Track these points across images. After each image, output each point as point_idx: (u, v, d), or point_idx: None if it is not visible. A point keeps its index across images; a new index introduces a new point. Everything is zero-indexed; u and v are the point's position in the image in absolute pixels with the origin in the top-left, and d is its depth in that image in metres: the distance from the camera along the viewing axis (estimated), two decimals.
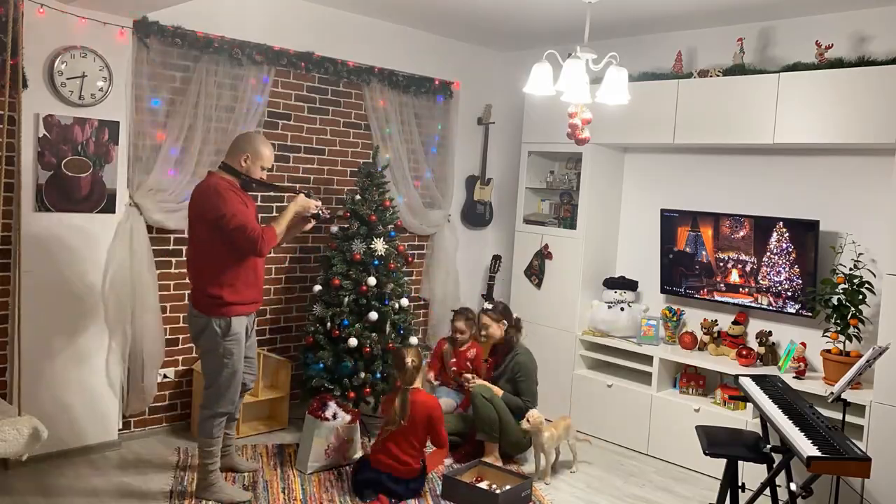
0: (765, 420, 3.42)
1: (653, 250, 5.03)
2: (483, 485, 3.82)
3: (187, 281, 4.12)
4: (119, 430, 4.23)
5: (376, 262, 4.53)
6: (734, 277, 4.58)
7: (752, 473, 3.78)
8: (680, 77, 4.61)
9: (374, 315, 4.44)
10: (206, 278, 3.45)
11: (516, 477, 3.86)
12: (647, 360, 4.74)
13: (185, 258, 3.71)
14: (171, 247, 4.41)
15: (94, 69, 3.90)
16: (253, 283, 3.56)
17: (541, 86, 3.30)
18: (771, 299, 4.41)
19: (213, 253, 3.43)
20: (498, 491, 3.70)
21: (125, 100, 4.07)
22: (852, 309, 3.93)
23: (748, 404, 4.22)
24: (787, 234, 4.29)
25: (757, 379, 3.74)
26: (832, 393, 3.35)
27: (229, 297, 3.45)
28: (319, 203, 3.72)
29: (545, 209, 5.58)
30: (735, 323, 4.65)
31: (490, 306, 4.67)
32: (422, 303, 5.80)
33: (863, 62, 3.89)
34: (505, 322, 4.55)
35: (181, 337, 4.50)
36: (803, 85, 4.05)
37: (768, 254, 4.39)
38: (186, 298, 3.99)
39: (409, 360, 3.82)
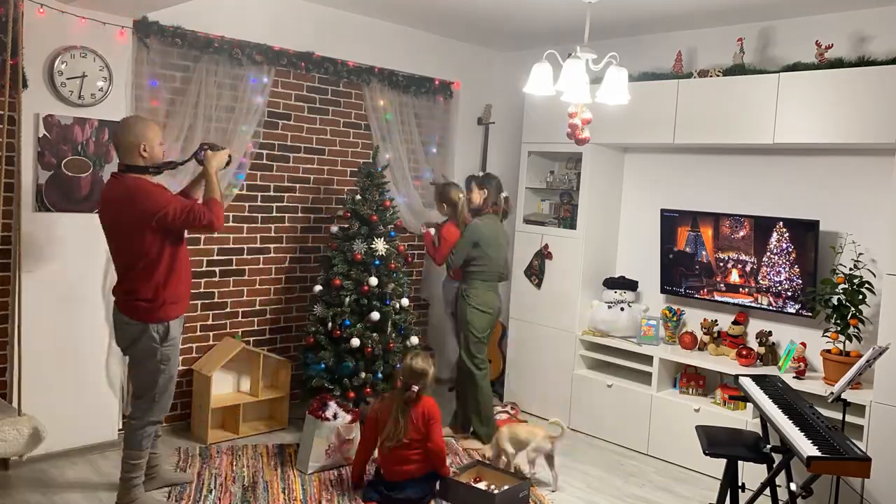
0: (765, 420, 3.42)
1: (653, 250, 5.03)
2: (481, 485, 3.82)
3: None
4: (119, 430, 4.22)
5: (377, 262, 4.53)
6: (734, 277, 4.58)
7: (752, 473, 3.78)
8: (680, 77, 4.61)
9: (375, 315, 4.44)
10: (139, 282, 3.27)
11: (514, 477, 3.86)
12: (647, 360, 4.74)
13: (111, 266, 3.68)
14: None
15: (94, 69, 3.90)
16: (185, 279, 3.42)
17: (541, 86, 3.30)
18: (771, 299, 4.40)
19: (147, 254, 3.24)
20: (497, 492, 3.70)
21: (125, 100, 4.07)
22: (852, 309, 3.93)
23: (748, 404, 4.22)
24: (787, 234, 4.29)
25: (757, 379, 3.74)
26: (832, 393, 3.35)
27: (165, 299, 3.30)
28: (227, 148, 3.55)
29: (545, 209, 5.57)
30: (735, 323, 4.65)
31: (481, 174, 4.74)
32: (422, 303, 5.80)
33: (863, 62, 3.89)
34: (486, 191, 4.63)
35: (180, 337, 4.50)
36: (803, 85, 4.05)
37: (768, 254, 4.39)
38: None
39: (430, 375, 3.69)
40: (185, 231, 3.36)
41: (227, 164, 3.56)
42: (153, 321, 3.30)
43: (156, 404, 3.43)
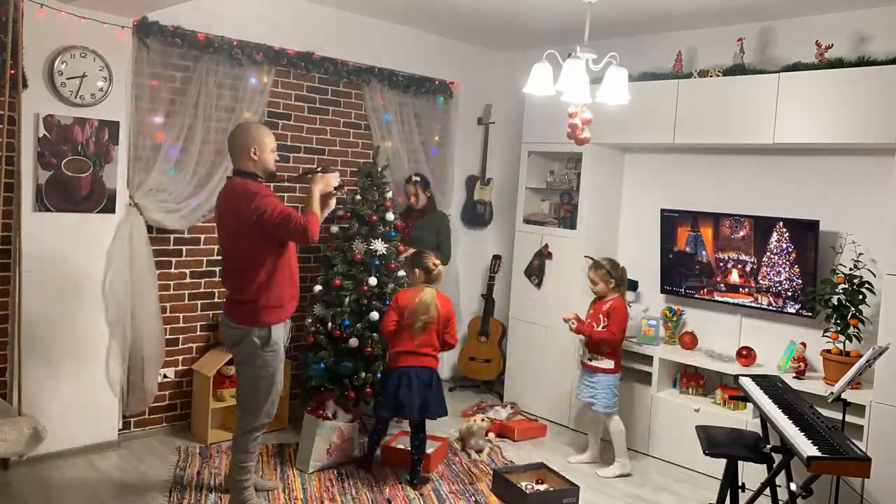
0: (765, 420, 3.42)
1: (653, 250, 5.03)
2: (542, 487, 3.89)
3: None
4: (119, 430, 4.23)
5: (377, 262, 4.53)
6: (734, 277, 4.58)
7: (752, 473, 3.78)
8: (680, 77, 4.61)
9: (374, 315, 4.44)
10: (243, 286, 3.30)
11: (569, 483, 3.89)
12: (647, 360, 4.74)
13: (221, 270, 3.81)
14: (171, 247, 4.41)
15: (94, 69, 3.90)
16: (289, 282, 3.41)
17: (541, 86, 3.30)
18: (771, 299, 4.40)
19: (251, 257, 3.28)
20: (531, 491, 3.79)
21: (125, 100, 4.08)
22: (852, 309, 3.93)
23: (748, 404, 4.21)
24: (787, 234, 4.29)
25: (757, 379, 3.74)
26: (832, 393, 3.35)
27: (271, 303, 3.31)
28: (337, 174, 3.54)
29: (545, 209, 5.58)
30: None
31: (417, 178, 5.26)
32: None
33: (863, 62, 3.89)
34: (429, 192, 5.32)
35: (181, 337, 4.50)
36: (803, 85, 4.05)
37: (768, 254, 4.39)
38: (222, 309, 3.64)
39: (431, 262, 4.04)
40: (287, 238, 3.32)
41: (337, 190, 3.51)
42: (255, 325, 3.29)
43: (260, 410, 3.41)
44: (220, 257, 4.63)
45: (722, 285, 4.65)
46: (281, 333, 3.41)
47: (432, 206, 5.33)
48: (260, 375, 3.36)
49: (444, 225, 5.31)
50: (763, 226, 4.40)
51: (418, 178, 5.24)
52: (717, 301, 4.69)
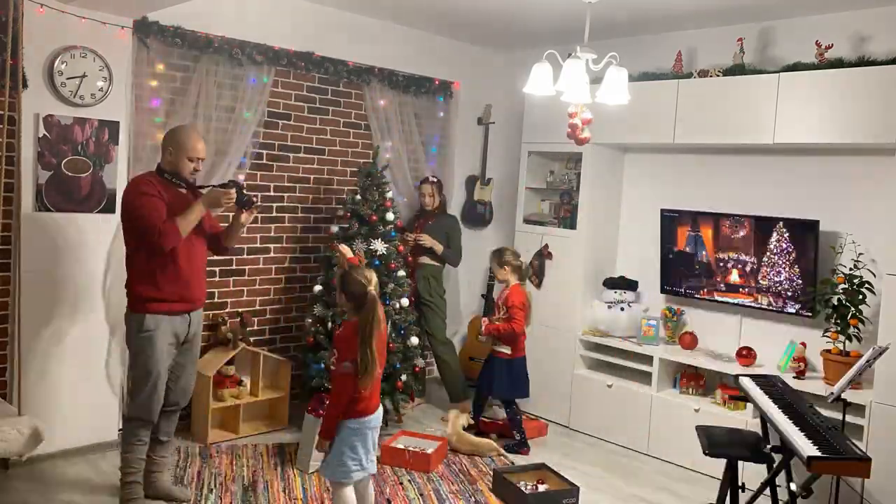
0: (765, 420, 3.42)
1: (653, 250, 5.03)
2: (543, 488, 3.88)
3: None
4: (119, 430, 4.22)
5: (377, 263, 4.53)
6: (734, 277, 4.58)
7: (752, 473, 3.78)
8: (680, 77, 4.61)
9: None
10: (129, 270, 3.38)
11: (569, 484, 3.89)
12: (647, 360, 4.74)
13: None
14: None
15: (94, 69, 3.90)
16: (174, 279, 3.31)
17: (541, 86, 3.30)
18: (771, 299, 4.40)
19: (132, 244, 3.34)
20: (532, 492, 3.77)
21: (125, 100, 4.08)
22: (852, 309, 3.93)
23: (748, 404, 4.21)
24: (787, 234, 4.29)
25: (757, 379, 3.74)
26: (832, 393, 3.35)
27: (144, 293, 3.30)
28: (232, 191, 3.40)
29: (545, 209, 5.58)
30: None
31: (434, 179, 5.29)
32: None
33: (863, 62, 3.89)
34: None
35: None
36: (803, 85, 4.05)
37: (768, 254, 4.38)
38: None
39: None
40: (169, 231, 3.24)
41: (242, 205, 3.48)
42: (133, 311, 3.35)
43: (135, 400, 3.38)
44: (218, 257, 4.64)
45: (722, 285, 4.65)
46: (161, 325, 3.32)
47: (443, 209, 5.33)
48: (135, 361, 3.39)
49: (454, 227, 5.30)
50: (763, 226, 4.40)
51: (435, 179, 5.25)
52: (717, 301, 4.69)
